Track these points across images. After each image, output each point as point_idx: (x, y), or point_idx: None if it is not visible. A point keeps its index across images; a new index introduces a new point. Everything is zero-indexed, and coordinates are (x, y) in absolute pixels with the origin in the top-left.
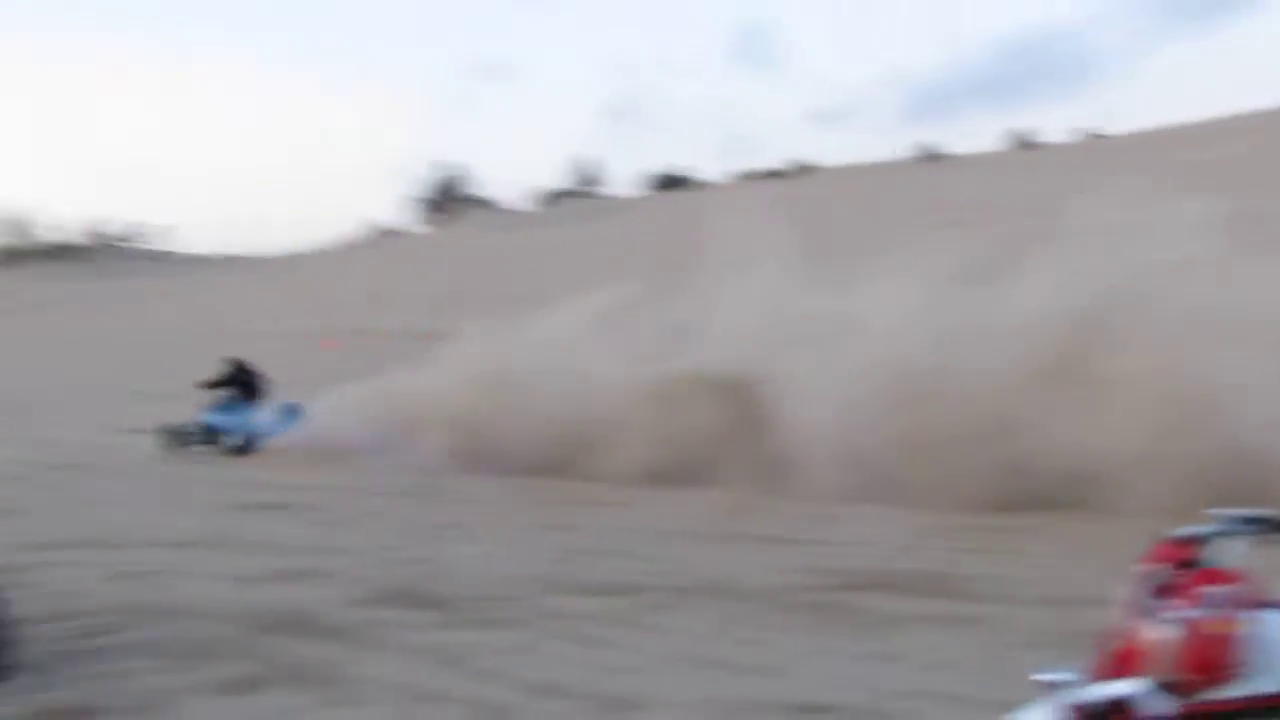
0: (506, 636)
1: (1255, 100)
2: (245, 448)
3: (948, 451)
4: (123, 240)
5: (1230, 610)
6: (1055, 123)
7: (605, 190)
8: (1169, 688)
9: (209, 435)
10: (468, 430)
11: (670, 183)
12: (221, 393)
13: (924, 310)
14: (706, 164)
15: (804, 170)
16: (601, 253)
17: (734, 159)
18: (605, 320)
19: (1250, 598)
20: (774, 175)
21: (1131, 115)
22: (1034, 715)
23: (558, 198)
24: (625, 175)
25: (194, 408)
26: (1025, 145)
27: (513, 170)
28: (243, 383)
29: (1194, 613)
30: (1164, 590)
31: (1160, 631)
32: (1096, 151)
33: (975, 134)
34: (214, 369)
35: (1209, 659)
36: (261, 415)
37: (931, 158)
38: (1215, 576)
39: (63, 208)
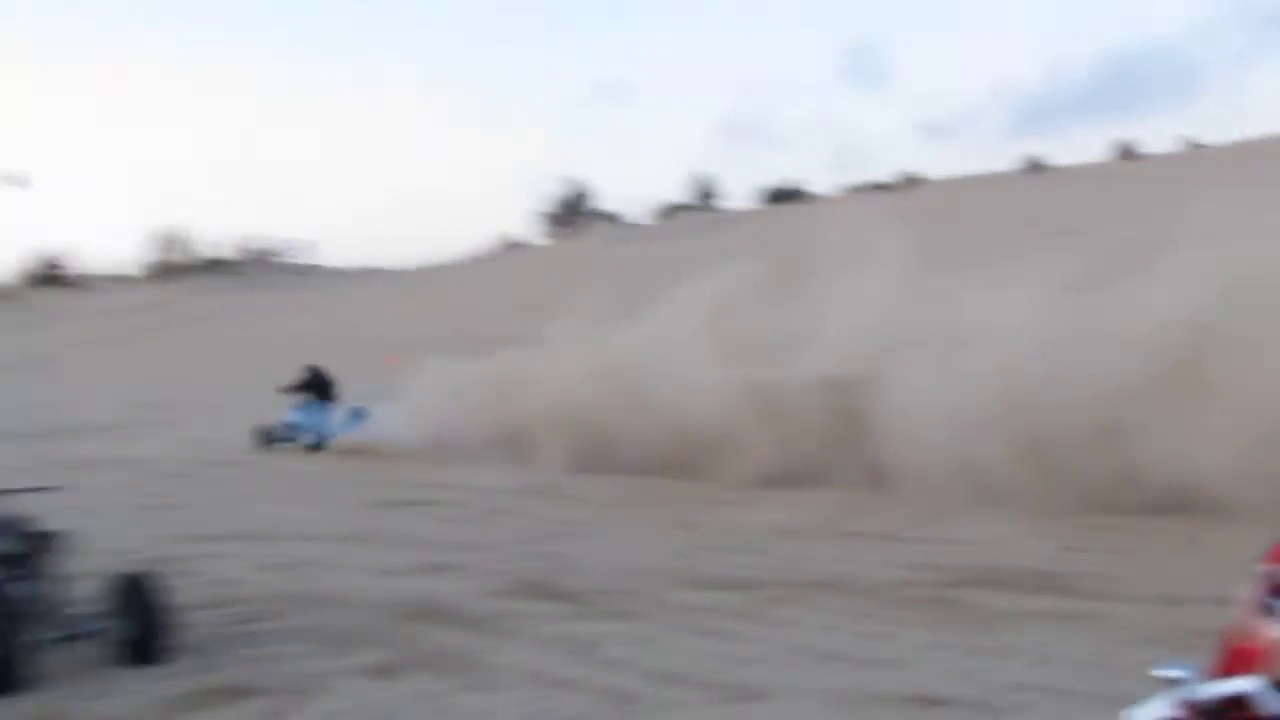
0: (633, 628)
1: None
2: (319, 445)
3: (1057, 459)
4: (272, 255)
5: None
6: (1157, 134)
7: (721, 203)
8: None
9: (290, 433)
10: (587, 430)
11: (783, 196)
12: (299, 396)
13: (1033, 318)
14: (818, 177)
15: (912, 182)
16: (718, 263)
17: (845, 172)
18: (721, 324)
19: None
20: (883, 187)
21: (1233, 125)
22: (1149, 710)
23: (676, 211)
24: (740, 189)
25: (278, 409)
26: (1128, 156)
27: (634, 185)
28: (317, 387)
29: None
30: None
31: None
32: (1198, 161)
33: (1079, 145)
34: (293, 374)
35: None
36: (334, 416)
37: (1036, 169)
38: None
39: (219, 225)
